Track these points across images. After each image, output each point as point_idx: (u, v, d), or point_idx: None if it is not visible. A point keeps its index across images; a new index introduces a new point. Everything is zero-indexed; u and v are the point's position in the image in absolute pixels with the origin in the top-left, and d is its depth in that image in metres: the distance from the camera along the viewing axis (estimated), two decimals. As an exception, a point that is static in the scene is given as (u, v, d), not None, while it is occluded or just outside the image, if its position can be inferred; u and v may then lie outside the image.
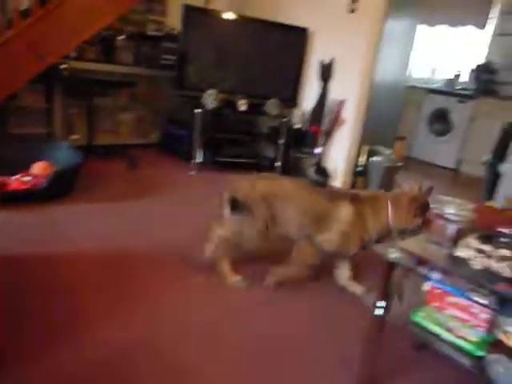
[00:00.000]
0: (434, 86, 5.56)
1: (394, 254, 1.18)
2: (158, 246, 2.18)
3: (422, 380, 1.48)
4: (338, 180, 3.68)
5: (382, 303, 1.23)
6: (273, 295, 1.86)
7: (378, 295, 1.24)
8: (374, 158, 3.65)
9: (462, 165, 5.15)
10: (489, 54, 5.22)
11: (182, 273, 1.96)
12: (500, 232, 1.13)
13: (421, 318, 1.18)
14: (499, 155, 3.53)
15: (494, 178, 3.54)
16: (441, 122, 5.22)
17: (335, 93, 3.60)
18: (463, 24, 5.41)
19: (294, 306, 1.83)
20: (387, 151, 3.77)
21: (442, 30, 5.64)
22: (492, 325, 1.15)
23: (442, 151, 5.23)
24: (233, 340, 1.56)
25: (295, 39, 3.76)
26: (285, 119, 3.67)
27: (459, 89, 5.27)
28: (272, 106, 3.61)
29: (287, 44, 3.76)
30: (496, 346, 1.14)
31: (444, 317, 1.18)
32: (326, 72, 3.63)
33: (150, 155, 3.85)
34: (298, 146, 3.75)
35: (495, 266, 1.07)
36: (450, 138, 5.13)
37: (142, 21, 3.86)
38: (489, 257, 1.08)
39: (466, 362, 1.09)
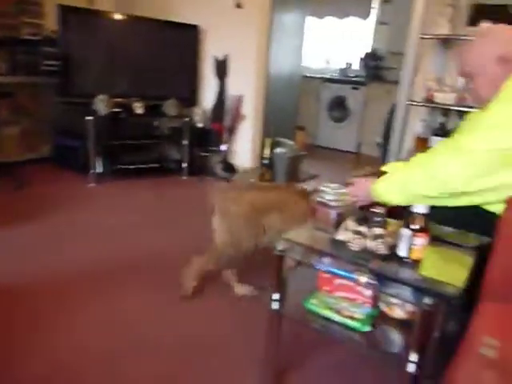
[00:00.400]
0: (329, 75, 5.85)
1: (280, 246, 1.19)
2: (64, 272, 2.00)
3: (328, 366, 1.52)
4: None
5: (277, 296, 1.23)
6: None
7: (273, 288, 1.24)
8: (278, 150, 3.73)
9: (362, 147, 5.49)
10: (374, 42, 5.62)
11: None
12: (373, 212, 1.18)
13: (313, 304, 1.21)
14: (388, 134, 3.80)
15: (386, 153, 3.81)
16: (339, 109, 5.51)
17: (233, 89, 3.61)
18: (349, 15, 5.75)
19: (211, 305, 1.80)
20: (289, 142, 3.87)
21: (331, 21, 5.95)
22: (376, 300, 1.21)
23: (343, 136, 5.54)
24: (151, 339, 1.50)
25: (187, 37, 3.68)
26: (186, 119, 3.59)
27: (352, 76, 5.61)
28: (170, 107, 3.51)
29: (179, 42, 3.68)
30: (382, 317, 1.21)
31: (334, 299, 1.22)
32: (222, 69, 3.62)
33: (43, 171, 3.54)
34: (203, 145, 3.70)
35: (370, 244, 1.12)
36: (349, 123, 5.44)
37: (16, 24, 3.50)
38: (365, 237, 1.13)
39: (355, 338, 1.14)
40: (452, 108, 2.42)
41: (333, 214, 1.26)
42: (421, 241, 1.07)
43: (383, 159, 3.79)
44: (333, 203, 1.26)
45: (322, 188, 1.29)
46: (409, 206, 1.20)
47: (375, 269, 1.03)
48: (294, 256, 1.20)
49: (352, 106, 5.36)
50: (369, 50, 5.60)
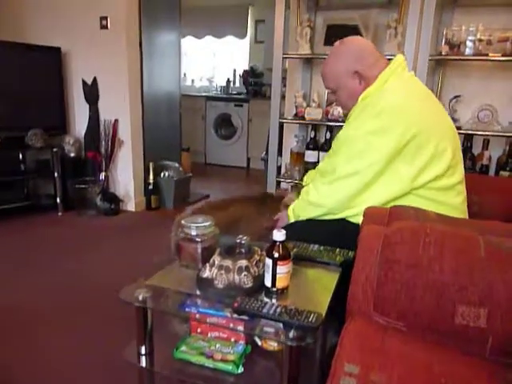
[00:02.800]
0: (213, 93, 5.88)
1: (141, 295, 1.06)
2: None
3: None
4: (132, 203, 3.48)
5: (143, 350, 1.10)
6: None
7: (137, 342, 1.11)
8: (163, 174, 3.59)
9: (252, 162, 5.61)
10: (251, 59, 5.80)
11: None
12: (239, 243, 1.13)
13: (182, 352, 1.10)
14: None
15: (273, 170, 3.89)
16: (225, 126, 5.55)
17: (107, 113, 3.38)
18: (226, 35, 5.86)
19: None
20: (175, 164, 3.75)
21: (210, 41, 6.01)
22: (248, 335, 1.15)
23: (233, 153, 5.58)
24: None
25: (49, 60, 3.35)
26: (55, 149, 3.25)
27: (234, 94, 5.71)
28: (34, 137, 3.15)
29: (42, 67, 3.32)
30: (258, 352, 1.15)
31: (206, 342, 1.13)
32: (92, 92, 3.37)
33: None
34: (79, 176, 3.38)
35: (236, 278, 1.06)
36: (236, 139, 5.51)
37: None
38: (229, 271, 1.07)
39: (231, 382, 1.06)
40: (320, 123, 2.53)
41: (198, 249, 1.18)
42: (284, 269, 1.04)
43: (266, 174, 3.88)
44: (198, 238, 1.18)
45: (185, 223, 1.20)
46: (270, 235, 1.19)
47: (236, 307, 0.97)
48: (160, 306, 1.08)
49: (237, 123, 5.44)
50: (247, 68, 5.76)
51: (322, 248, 1.32)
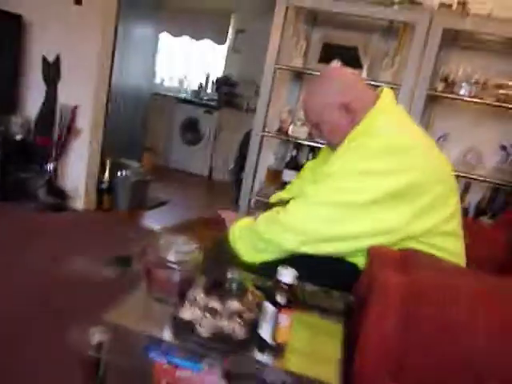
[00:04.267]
0: (183, 95, 5.60)
1: (97, 337, 0.80)
2: None
3: None
4: (81, 200, 3.11)
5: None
6: None
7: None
8: (120, 173, 3.25)
9: (214, 172, 5.36)
10: (226, 67, 5.61)
11: None
12: (228, 278, 0.91)
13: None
14: (240, 163, 3.72)
15: (240, 183, 3.71)
16: (191, 131, 5.27)
17: (67, 97, 3.01)
18: (204, 38, 5.63)
19: None
20: (135, 164, 3.44)
21: (186, 41, 5.75)
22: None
23: (196, 160, 5.30)
24: None
25: (5, 28, 2.95)
26: (-1, 128, 2.84)
27: (205, 99, 5.47)
28: (-25, 112, 2.73)
29: (-4, 33, 2.92)
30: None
31: (174, 402, 0.89)
32: (52, 72, 3.00)
33: None
34: (23, 163, 2.97)
35: (226, 326, 0.83)
36: (201, 147, 5.25)
37: None
38: (217, 315, 0.84)
39: None
40: (303, 143, 2.37)
41: (175, 278, 0.94)
42: (287, 319, 0.83)
43: (236, 188, 3.67)
44: (176, 265, 0.94)
45: (162, 243, 0.96)
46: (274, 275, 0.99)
47: (231, 369, 0.74)
48: (117, 358, 0.82)
49: (205, 130, 5.19)
50: (221, 75, 5.56)
51: (316, 289, 1.13)
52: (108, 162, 3.16)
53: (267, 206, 1.58)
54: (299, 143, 2.44)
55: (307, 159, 2.44)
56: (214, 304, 0.85)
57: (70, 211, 3.02)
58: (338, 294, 1.11)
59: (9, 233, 2.52)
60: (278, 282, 0.83)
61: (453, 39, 2.23)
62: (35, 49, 3.05)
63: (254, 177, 2.48)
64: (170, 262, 0.94)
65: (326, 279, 1.24)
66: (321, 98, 1.24)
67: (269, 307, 0.82)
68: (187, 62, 5.95)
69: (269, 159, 2.63)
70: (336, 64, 2.19)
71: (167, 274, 0.94)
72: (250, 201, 2.48)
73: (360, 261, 1.27)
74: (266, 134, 2.37)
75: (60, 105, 3.00)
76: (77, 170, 3.07)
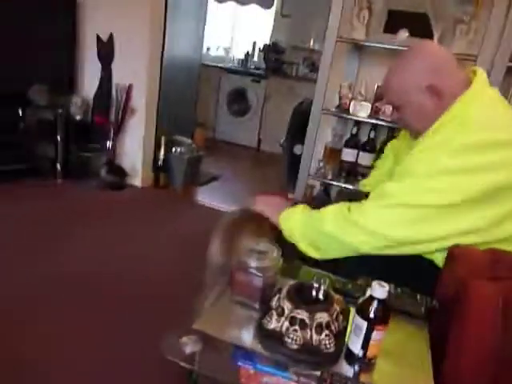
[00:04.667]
0: (229, 65, 5.50)
1: (189, 348, 0.81)
2: None
3: None
4: (138, 178, 3.19)
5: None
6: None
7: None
8: (174, 150, 3.29)
9: (263, 144, 5.31)
10: (274, 34, 5.40)
11: None
12: (316, 287, 0.88)
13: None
14: (293, 136, 3.62)
15: (292, 158, 3.64)
16: (239, 102, 5.21)
17: (121, 76, 3.04)
18: (250, 2, 5.42)
19: None
20: (187, 140, 3.45)
21: (232, 6, 5.57)
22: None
23: (244, 131, 5.26)
24: None
25: (61, 7, 2.97)
26: (60, 110, 2.92)
27: (252, 68, 5.33)
28: (38, 94, 2.82)
29: (52, 13, 2.94)
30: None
31: (261, 406, 0.90)
32: (106, 51, 3.02)
33: None
34: (83, 143, 3.07)
35: (315, 338, 0.82)
36: (249, 117, 5.18)
37: None
38: (306, 327, 0.83)
39: None
40: (365, 120, 2.26)
41: (257, 284, 0.93)
42: (380, 334, 0.80)
43: (288, 164, 3.61)
44: (259, 272, 0.93)
45: (245, 249, 0.95)
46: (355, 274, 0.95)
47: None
48: (207, 365, 0.83)
49: (252, 100, 5.10)
50: (268, 42, 5.37)
51: (399, 291, 1.09)
52: (163, 140, 3.19)
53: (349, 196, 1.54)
54: (360, 121, 2.32)
55: (369, 137, 2.33)
56: (302, 315, 0.84)
57: (130, 189, 3.12)
58: (420, 297, 1.07)
59: (78, 210, 2.65)
60: (372, 297, 0.80)
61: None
62: (89, 28, 3.07)
63: (312, 156, 2.42)
64: (252, 267, 0.93)
65: (402, 278, 1.19)
66: (407, 76, 1.13)
67: (361, 323, 0.80)
68: (233, 30, 5.80)
69: (326, 136, 2.53)
70: (405, 35, 2.02)
71: (249, 279, 0.94)
72: (312, 188, 2.43)
73: (437, 257, 1.21)
74: (325, 112, 2.27)
75: (115, 84, 3.03)
76: (134, 149, 3.13)
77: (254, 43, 5.49)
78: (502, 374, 0.80)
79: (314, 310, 0.84)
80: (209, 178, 3.72)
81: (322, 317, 0.84)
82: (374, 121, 2.23)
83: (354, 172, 2.37)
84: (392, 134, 2.26)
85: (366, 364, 0.82)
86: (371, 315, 0.79)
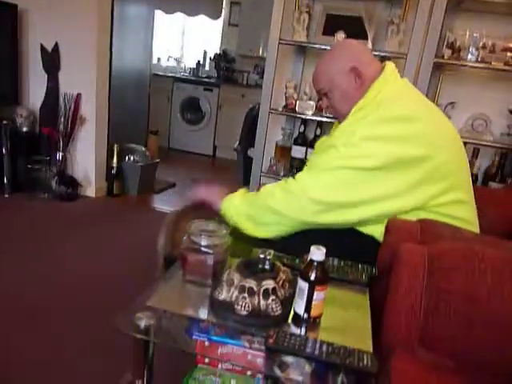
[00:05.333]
0: (182, 74, 5.54)
1: (143, 322, 0.85)
2: None
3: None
4: (92, 188, 3.14)
5: (141, 386, 0.89)
6: None
7: (133, 377, 0.90)
8: (128, 158, 3.28)
9: (218, 150, 5.37)
10: (223, 43, 5.52)
11: None
12: (263, 258, 0.95)
13: (191, 389, 0.91)
14: (246, 140, 3.72)
15: (246, 161, 3.73)
16: (193, 110, 5.26)
17: (68, 85, 3.00)
18: (199, 13, 5.52)
19: None
20: (141, 148, 3.45)
21: (180, 18, 5.63)
22: (269, 368, 0.98)
23: (199, 139, 5.31)
24: None
25: (4, 19, 2.91)
26: (5, 122, 2.84)
27: (204, 77, 5.41)
28: (-20, 106, 2.73)
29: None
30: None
31: (219, 377, 0.95)
32: (52, 60, 2.98)
33: None
34: (31, 155, 2.99)
35: (262, 304, 0.88)
36: (204, 126, 5.24)
37: None
38: (254, 294, 0.88)
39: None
40: (311, 118, 2.38)
41: (209, 262, 0.98)
42: (321, 294, 0.87)
43: (244, 166, 3.70)
44: (209, 249, 0.98)
45: (193, 230, 1.00)
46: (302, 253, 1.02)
47: (271, 344, 0.79)
48: (164, 339, 0.87)
49: (206, 108, 5.17)
50: (219, 51, 5.48)
51: (342, 263, 1.17)
52: (115, 148, 3.17)
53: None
54: (306, 119, 2.44)
55: (315, 134, 2.46)
56: (250, 283, 0.89)
57: (83, 199, 3.07)
58: (361, 267, 1.16)
59: (28, 223, 2.57)
60: (311, 260, 0.87)
61: (458, 2, 2.20)
62: (33, 37, 3.02)
63: (263, 154, 2.50)
64: (203, 246, 0.98)
65: (344, 253, 1.29)
66: (333, 64, 1.28)
67: (303, 285, 0.87)
68: (183, 40, 5.86)
69: (277, 135, 2.64)
70: (342, 36, 2.17)
71: (201, 257, 0.98)
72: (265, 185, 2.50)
73: (376, 232, 1.32)
74: (273, 111, 2.37)
75: (63, 94, 2.99)
76: (85, 158, 3.09)
77: (205, 52, 5.58)
78: (428, 325, 0.89)
79: (260, 278, 0.90)
80: (165, 186, 3.73)
81: (269, 283, 0.90)
82: (318, 118, 2.35)
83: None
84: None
85: (311, 324, 0.88)
86: (312, 277, 0.86)
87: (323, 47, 2.24)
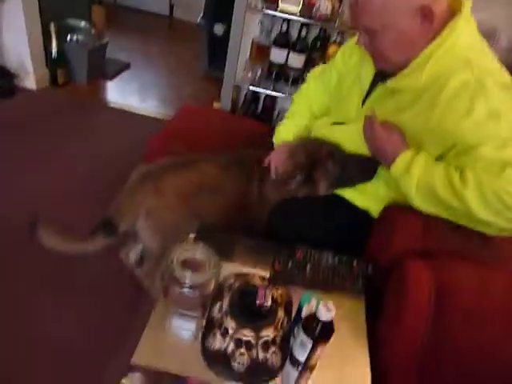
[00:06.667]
0: None
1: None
2: None
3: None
4: (31, 78, 2.65)
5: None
6: None
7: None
8: (70, 38, 2.72)
9: (176, 10, 4.63)
10: None
11: None
12: (256, 287, 0.83)
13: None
14: (212, 13, 3.19)
15: (211, 40, 3.26)
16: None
17: None
18: None
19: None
20: (84, 24, 2.85)
21: None
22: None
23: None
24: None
25: None
26: None
27: None
28: None
29: None
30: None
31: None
32: None
33: None
34: None
35: (261, 356, 0.81)
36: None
37: None
38: (252, 347, 0.80)
39: None
40: (297, 19, 1.97)
41: (195, 301, 0.86)
42: (322, 350, 0.81)
43: (209, 48, 3.25)
44: (194, 289, 0.84)
45: (175, 262, 0.84)
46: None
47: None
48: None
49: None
50: None
51: (337, 260, 1.09)
52: (52, 27, 2.58)
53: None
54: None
55: (299, 35, 2.07)
56: (248, 336, 0.80)
57: (23, 93, 2.61)
58: (356, 266, 1.08)
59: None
60: (316, 318, 0.77)
61: None
62: None
63: (238, 54, 2.14)
64: (186, 284, 0.84)
65: (336, 226, 1.21)
66: None
67: (305, 339, 0.79)
68: None
69: (253, 30, 2.20)
70: None
71: (185, 295, 0.86)
72: (246, 94, 2.19)
73: (373, 209, 1.22)
74: (251, 9, 1.93)
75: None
76: (16, 42, 2.52)
77: None
78: (428, 364, 0.88)
79: (259, 327, 0.81)
80: (117, 69, 3.23)
81: (268, 334, 0.82)
82: (306, 20, 1.95)
83: (285, 75, 2.17)
84: (325, 33, 2.03)
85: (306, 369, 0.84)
86: (316, 334, 0.78)
87: None
